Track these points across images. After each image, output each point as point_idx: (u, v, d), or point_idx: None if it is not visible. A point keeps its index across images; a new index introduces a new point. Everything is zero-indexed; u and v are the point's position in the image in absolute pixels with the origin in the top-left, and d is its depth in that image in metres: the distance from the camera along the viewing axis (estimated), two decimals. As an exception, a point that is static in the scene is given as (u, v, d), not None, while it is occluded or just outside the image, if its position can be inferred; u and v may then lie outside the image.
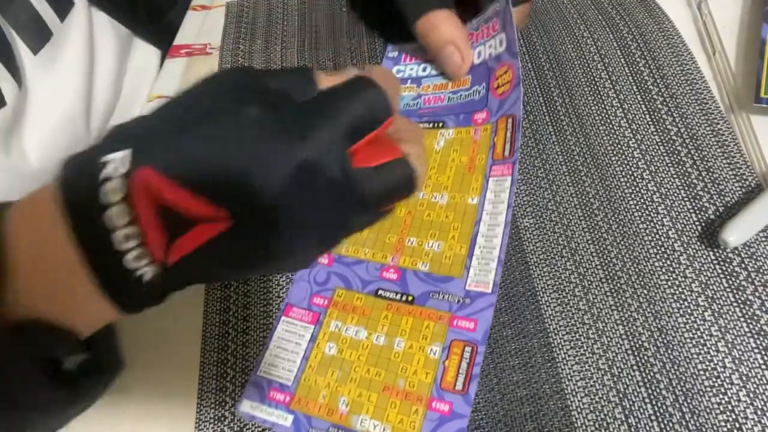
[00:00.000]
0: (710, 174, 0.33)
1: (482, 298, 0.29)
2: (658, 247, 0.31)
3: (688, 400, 0.27)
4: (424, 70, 0.40)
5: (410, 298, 0.31)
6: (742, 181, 0.32)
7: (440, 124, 0.37)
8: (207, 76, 0.24)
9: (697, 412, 0.26)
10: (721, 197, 0.32)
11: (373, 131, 0.24)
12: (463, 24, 0.38)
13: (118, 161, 0.20)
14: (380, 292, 0.31)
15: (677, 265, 0.30)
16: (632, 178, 0.34)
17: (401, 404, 0.27)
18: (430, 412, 0.27)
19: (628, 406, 0.27)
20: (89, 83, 0.44)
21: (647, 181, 0.33)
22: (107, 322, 0.24)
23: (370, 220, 0.26)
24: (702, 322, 0.28)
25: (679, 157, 0.34)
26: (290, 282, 0.33)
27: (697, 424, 0.26)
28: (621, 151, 0.35)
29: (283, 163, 0.21)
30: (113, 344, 0.25)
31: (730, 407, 0.26)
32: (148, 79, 0.50)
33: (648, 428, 0.26)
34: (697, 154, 0.34)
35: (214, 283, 0.33)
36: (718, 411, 0.26)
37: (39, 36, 0.39)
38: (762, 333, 0.28)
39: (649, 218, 0.32)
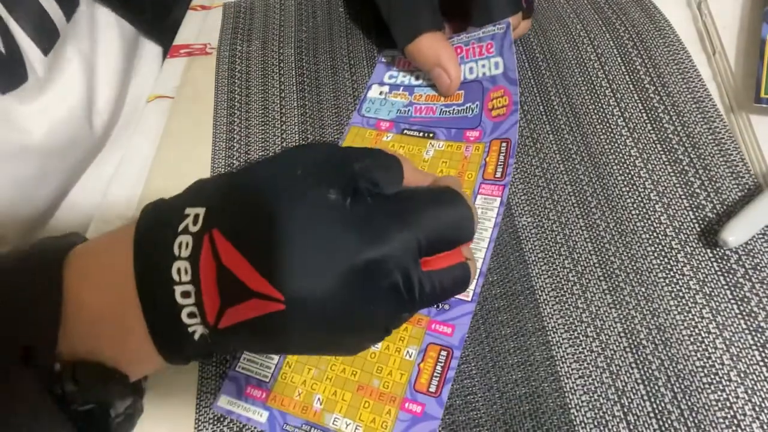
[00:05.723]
0: (707, 171, 0.33)
1: (462, 305, 0.30)
2: (656, 245, 0.31)
3: (687, 398, 0.27)
4: (416, 78, 0.41)
5: None
6: (739, 179, 0.32)
7: (431, 135, 0.37)
8: (295, 147, 0.23)
9: (695, 409, 0.26)
10: (718, 194, 0.32)
11: (450, 249, 0.22)
12: (455, 33, 0.39)
13: (191, 218, 0.20)
14: None
15: (675, 263, 0.30)
16: (629, 176, 0.34)
17: (374, 404, 0.28)
18: (402, 412, 0.27)
19: (626, 404, 0.27)
20: (91, 82, 0.44)
21: (644, 179, 0.33)
22: (153, 371, 0.24)
23: (412, 315, 0.25)
24: (700, 320, 0.29)
25: (675, 155, 0.34)
26: None
27: (696, 421, 0.26)
28: (618, 149, 0.35)
29: (345, 261, 0.20)
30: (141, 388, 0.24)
31: (728, 404, 0.26)
32: (153, 79, 0.50)
33: (647, 425, 0.26)
34: (693, 152, 0.34)
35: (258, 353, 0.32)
36: (716, 408, 0.26)
37: (48, 36, 0.39)
38: (759, 330, 0.28)
39: (646, 216, 0.32)
